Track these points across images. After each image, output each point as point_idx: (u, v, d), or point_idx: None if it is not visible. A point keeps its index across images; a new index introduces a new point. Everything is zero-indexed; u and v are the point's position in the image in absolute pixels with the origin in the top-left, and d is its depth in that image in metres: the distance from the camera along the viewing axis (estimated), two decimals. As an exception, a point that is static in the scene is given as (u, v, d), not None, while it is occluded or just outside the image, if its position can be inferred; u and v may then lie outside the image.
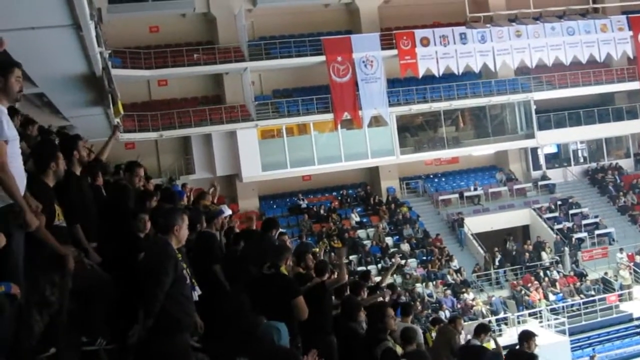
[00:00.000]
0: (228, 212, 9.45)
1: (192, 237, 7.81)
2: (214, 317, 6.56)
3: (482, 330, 9.73)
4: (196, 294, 5.78)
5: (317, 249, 22.50)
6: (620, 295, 30.53)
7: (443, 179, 38.14)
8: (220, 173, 32.83)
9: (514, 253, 33.06)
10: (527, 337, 9.14)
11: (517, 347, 9.40)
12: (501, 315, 28.75)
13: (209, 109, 32.84)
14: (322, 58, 33.40)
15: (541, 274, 31.56)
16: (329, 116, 33.65)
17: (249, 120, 32.76)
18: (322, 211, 33.84)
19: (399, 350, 7.77)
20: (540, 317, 28.63)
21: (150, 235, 6.66)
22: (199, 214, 8.31)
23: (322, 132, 34.92)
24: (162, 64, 31.50)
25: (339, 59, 33.34)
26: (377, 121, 34.60)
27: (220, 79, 34.36)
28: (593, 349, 27.36)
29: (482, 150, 38.09)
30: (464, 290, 29.62)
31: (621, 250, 32.87)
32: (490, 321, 27.19)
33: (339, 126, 33.85)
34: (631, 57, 38.55)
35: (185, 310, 5.26)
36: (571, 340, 26.83)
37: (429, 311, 27.16)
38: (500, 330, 27.47)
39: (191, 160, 33.32)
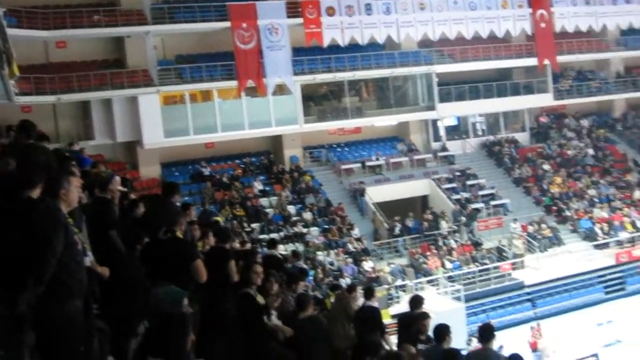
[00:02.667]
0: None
1: (88, 202, 7.66)
2: (112, 283, 6.44)
3: (371, 291, 9.97)
4: (88, 259, 5.66)
5: (219, 218, 22.41)
6: (513, 264, 31.68)
7: (346, 149, 38.50)
8: (120, 139, 32.17)
9: (411, 225, 33.69)
10: (416, 302, 9.40)
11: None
12: (399, 282, 29.39)
13: (110, 73, 31.96)
14: (227, 24, 33.01)
15: (439, 242, 32.38)
16: (233, 83, 33.33)
17: (151, 85, 32.10)
18: (224, 179, 33.65)
19: (260, 300, 7.86)
20: (438, 284, 29.41)
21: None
22: (93, 178, 8.13)
23: (226, 99, 34.60)
24: (61, 25, 30.28)
25: (244, 25, 33.00)
26: (281, 90, 34.52)
27: (121, 43, 33.45)
28: (487, 315, 28.33)
29: (384, 121, 38.60)
30: (364, 258, 30.09)
31: (515, 220, 34.08)
32: (391, 288, 27.85)
33: (242, 94, 33.61)
34: (529, 33, 39.72)
35: (76, 277, 5.11)
36: (466, 307, 27.67)
37: (330, 279, 27.48)
38: (398, 297, 28.12)
39: (91, 125, 32.35)
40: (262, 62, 33.24)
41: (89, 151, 21.97)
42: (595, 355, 22.72)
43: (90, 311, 5.47)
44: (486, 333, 7.89)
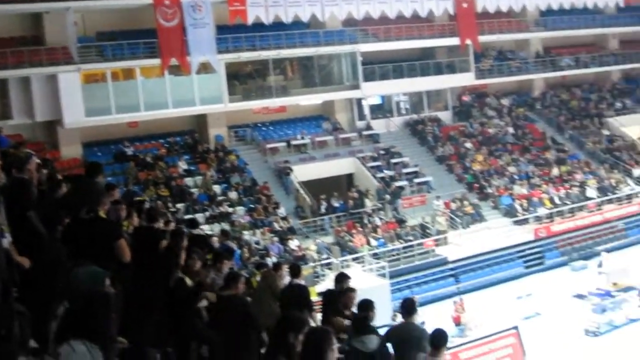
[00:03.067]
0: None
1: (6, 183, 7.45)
2: (31, 265, 6.29)
3: (298, 270, 10.01)
4: (5, 241, 5.52)
5: (143, 198, 22.11)
6: (436, 240, 32.27)
7: (271, 128, 38.42)
8: (40, 118, 31.33)
9: (337, 205, 33.86)
10: (341, 278, 9.49)
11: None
12: (325, 260, 29.56)
13: (28, 50, 30.99)
14: (150, 0, 32.35)
15: (364, 220, 32.69)
16: (156, 61, 32.78)
17: (71, 63, 31.29)
18: (148, 159, 33.20)
19: (188, 281, 7.85)
20: (363, 261, 29.72)
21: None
22: (10, 158, 7.91)
23: (149, 77, 34.03)
24: (-25, 0, 29.30)
25: (167, 2, 32.39)
26: (205, 68, 34.11)
27: (39, 19, 32.42)
28: (411, 291, 28.77)
29: (309, 100, 38.67)
30: (290, 237, 30.18)
31: (438, 197, 34.65)
32: (317, 266, 28.01)
33: (166, 72, 33.09)
34: (452, 13, 40.24)
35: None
36: (391, 283, 28.03)
37: (256, 258, 27.47)
38: (324, 274, 28.31)
39: (8, 105, 31.31)
40: (186, 39, 32.75)
41: (7, 131, 21.33)
42: (515, 327, 23.28)
43: (10, 295, 5.33)
44: (408, 307, 8.01)
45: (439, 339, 7.15)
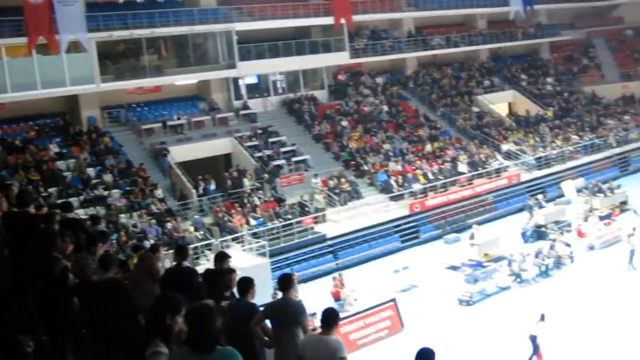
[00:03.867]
0: None
1: None
2: None
3: (184, 252, 9.87)
4: None
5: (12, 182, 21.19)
6: (315, 218, 32.60)
7: (146, 108, 37.65)
8: None
9: (213, 187, 33.58)
10: (221, 258, 9.44)
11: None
12: (204, 241, 29.31)
13: None
14: (14, -24, 30.91)
15: (243, 200, 32.62)
16: (23, 40, 31.34)
17: None
18: (17, 142, 31.85)
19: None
20: (243, 241, 29.68)
21: None
22: None
23: (15, 57, 32.51)
24: None
25: (32, -22, 31.03)
26: (75, 47, 32.90)
27: None
28: (291, 269, 28.97)
29: (184, 80, 38.08)
30: (168, 218, 29.74)
31: (316, 175, 34.97)
32: (197, 247, 27.73)
33: (33, 51, 31.69)
34: (326, -8, 40.56)
35: None
36: (271, 262, 28.14)
37: (134, 241, 26.91)
38: (204, 255, 28.10)
39: None
40: (54, 17, 31.44)
41: None
42: (393, 300, 23.96)
43: None
44: (284, 283, 8.04)
45: (329, 317, 7.23)
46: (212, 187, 33.30)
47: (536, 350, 19.48)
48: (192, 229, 29.77)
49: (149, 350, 5.14)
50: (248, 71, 39.30)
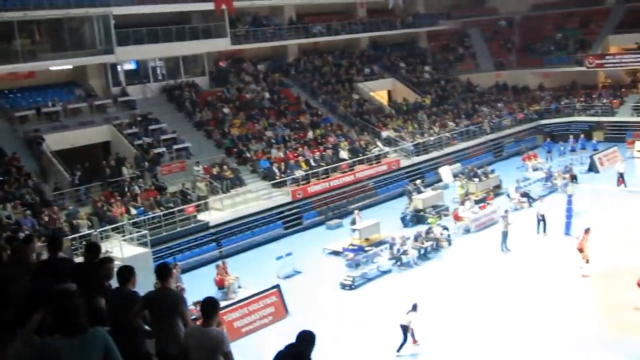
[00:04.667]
0: None
1: None
2: None
3: (58, 243, 9.54)
4: None
5: None
6: (197, 206, 32.24)
7: (19, 95, 36.10)
8: None
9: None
10: (93, 249, 9.19)
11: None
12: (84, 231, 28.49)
13: None
14: None
15: (123, 189, 31.86)
16: None
17: None
18: None
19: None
20: (123, 231, 29.02)
21: None
22: None
23: None
24: None
25: None
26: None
27: None
28: (174, 258, 28.64)
29: (59, 65, 36.68)
30: (43, 209, 28.67)
31: (198, 163, 34.62)
32: (75, 238, 26.88)
33: None
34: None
35: None
36: (153, 251, 27.69)
37: (8, 233, 25.80)
38: (82, 247, 27.27)
39: None
40: None
41: None
42: (276, 286, 24.06)
43: None
44: (161, 273, 7.91)
45: (209, 308, 7.15)
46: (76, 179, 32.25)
47: (406, 339, 19.95)
48: (68, 218, 28.84)
49: (20, 341, 5.00)
50: (126, 57, 38.36)
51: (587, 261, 24.70)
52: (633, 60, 52.42)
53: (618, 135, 49.09)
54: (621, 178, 36.76)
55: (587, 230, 25.40)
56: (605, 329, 20.60)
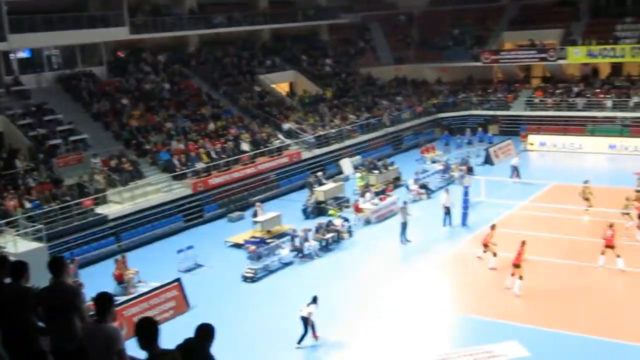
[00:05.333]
0: None
1: None
2: None
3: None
4: None
5: None
6: (95, 199, 31.47)
7: None
8: None
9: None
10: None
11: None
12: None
13: None
14: None
15: (17, 182, 30.79)
16: None
17: None
18: None
19: None
20: (17, 225, 28.03)
21: None
22: None
23: None
24: None
25: None
26: None
27: None
28: (71, 253, 27.85)
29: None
30: None
31: (95, 155, 33.81)
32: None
33: None
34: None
35: None
36: (49, 246, 26.83)
37: None
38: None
39: None
40: None
41: None
42: (177, 280, 23.78)
43: None
44: (55, 267, 7.66)
45: (102, 303, 6.95)
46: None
47: (307, 331, 20.10)
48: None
49: None
50: (19, 45, 37.01)
51: (494, 254, 25.37)
52: (526, 56, 54.30)
53: (512, 128, 50.81)
54: (516, 171, 38.02)
55: (492, 227, 26.08)
56: (490, 314, 21.32)
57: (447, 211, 30.88)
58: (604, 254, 24.46)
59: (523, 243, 23.35)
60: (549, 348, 18.86)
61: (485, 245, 25.61)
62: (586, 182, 31.18)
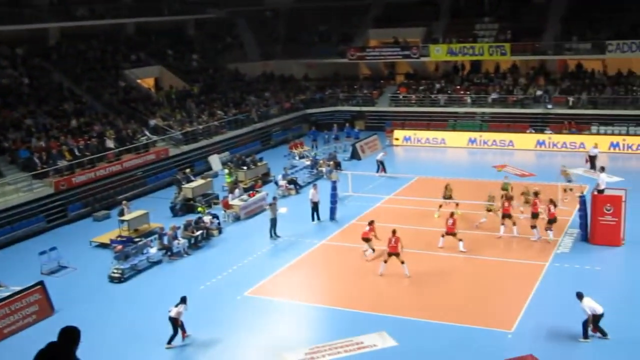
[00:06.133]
0: None
1: None
2: None
3: None
4: None
5: None
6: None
7: None
8: None
9: None
10: None
11: None
12: None
13: None
14: None
15: None
16: None
17: None
18: None
19: None
20: None
21: None
22: None
23: None
24: None
25: None
26: None
27: None
28: None
29: None
30: None
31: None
32: None
33: None
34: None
35: None
36: None
37: None
38: None
39: None
40: None
41: None
42: (40, 283, 22.90)
43: None
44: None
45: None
46: None
47: (176, 331, 19.87)
48: None
49: None
50: None
51: (373, 250, 25.92)
52: (390, 54, 55.68)
53: (378, 124, 52.05)
54: (381, 165, 38.92)
55: (371, 223, 26.53)
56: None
57: (315, 206, 31.23)
58: (444, 236, 26.43)
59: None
60: (415, 336, 19.44)
61: (366, 240, 26.08)
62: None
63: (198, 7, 57.25)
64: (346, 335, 19.59)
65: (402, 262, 23.79)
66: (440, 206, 30.64)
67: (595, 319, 18.47)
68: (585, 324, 18.60)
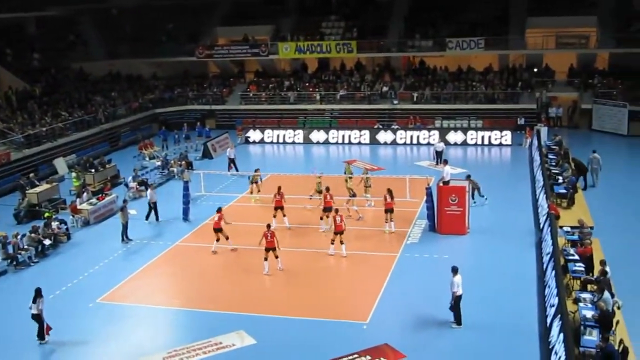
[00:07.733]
0: None
1: None
2: None
3: None
4: None
5: None
6: None
7: None
8: None
9: None
10: None
11: None
12: None
13: None
14: None
15: None
16: None
17: None
18: None
19: None
20: None
21: None
22: None
23: None
24: None
25: None
26: None
27: None
28: None
29: None
30: None
31: None
32: None
33: None
34: None
35: None
36: None
37: None
38: None
39: None
40: None
41: None
42: None
43: None
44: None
45: None
46: None
47: (43, 325, 19.46)
48: None
49: None
50: None
51: (227, 238, 26.14)
52: (239, 52, 55.70)
53: (229, 122, 51.99)
54: (232, 163, 38.88)
55: (219, 210, 26.61)
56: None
57: (154, 207, 30.90)
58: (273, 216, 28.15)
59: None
60: (273, 333, 19.60)
61: (217, 230, 26.11)
62: (256, 170, 33.71)
63: (38, 4, 54.85)
64: (205, 336, 19.50)
65: (277, 257, 24.03)
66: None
67: (457, 299, 19.27)
68: (453, 308, 19.33)
